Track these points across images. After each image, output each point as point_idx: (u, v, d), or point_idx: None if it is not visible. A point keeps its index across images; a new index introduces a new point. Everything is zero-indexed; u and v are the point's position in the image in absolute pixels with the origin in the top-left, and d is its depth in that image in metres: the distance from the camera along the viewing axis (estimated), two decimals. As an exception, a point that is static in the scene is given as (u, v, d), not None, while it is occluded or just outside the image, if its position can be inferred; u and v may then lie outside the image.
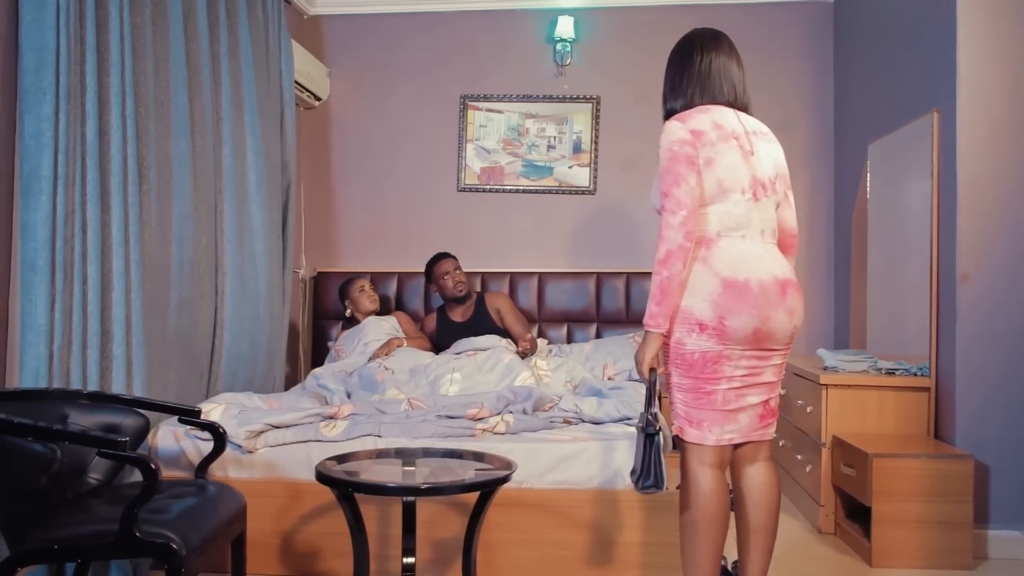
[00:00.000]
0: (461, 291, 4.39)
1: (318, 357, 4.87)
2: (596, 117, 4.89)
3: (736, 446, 2.33)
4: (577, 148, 4.92)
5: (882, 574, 2.99)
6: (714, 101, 2.33)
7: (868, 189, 4.07)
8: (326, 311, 4.88)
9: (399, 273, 4.87)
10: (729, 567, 2.77)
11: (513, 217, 4.95)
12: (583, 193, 4.91)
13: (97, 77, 2.75)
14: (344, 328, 4.60)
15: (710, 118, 2.28)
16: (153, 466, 1.98)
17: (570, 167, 4.92)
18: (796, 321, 2.29)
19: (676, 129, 2.26)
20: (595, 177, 4.90)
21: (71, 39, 2.62)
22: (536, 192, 4.93)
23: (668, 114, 2.38)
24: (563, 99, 4.91)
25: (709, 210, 2.25)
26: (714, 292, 2.20)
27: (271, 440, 2.95)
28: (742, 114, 2.37)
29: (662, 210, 2.24)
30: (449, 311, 4.47)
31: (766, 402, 2.32)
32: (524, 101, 4.93)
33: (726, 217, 2.25)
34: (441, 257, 4.48)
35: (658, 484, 2.20)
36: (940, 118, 3.33)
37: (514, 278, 4.83)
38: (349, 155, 5.05)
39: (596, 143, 4.90)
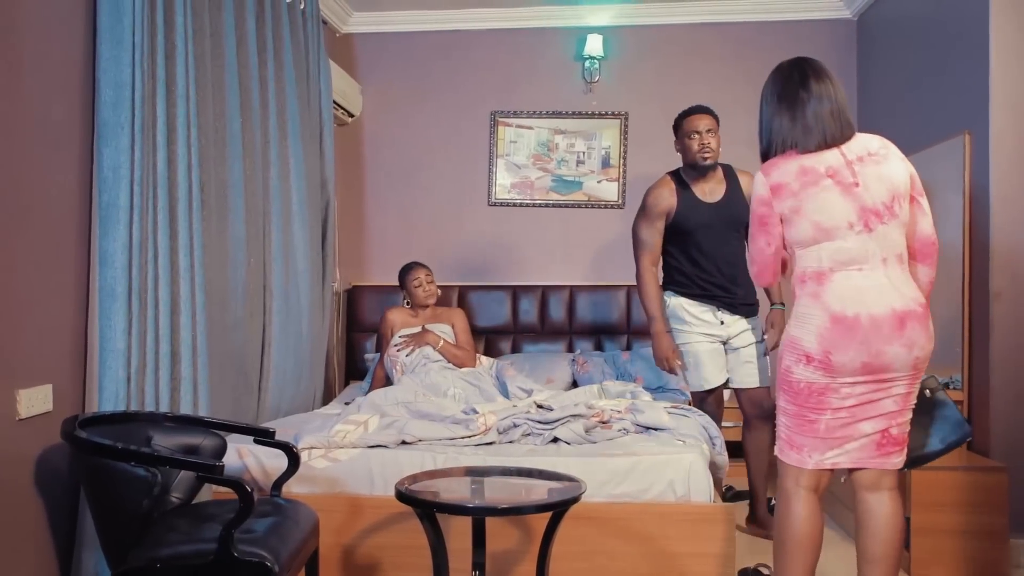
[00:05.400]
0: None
1: (351, 371, 4.97)
2: (624, 133, 5.00)
3: (851, 471, 2.34)
4: (606, 163, 5.03)
5: (922, 582, 3.11)
6: (799, 151, 2.28)
7: (895, 205, 4.17)
8: (360, 324, 4.98)
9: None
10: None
11: (543, 231, 5.06)
12: (612, 207, 5.01)
13: (166, 109, 2.85)
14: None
15: (798, 164, 2.27)
16: (249, 489, 2.09)
17: (599, 182, 5.03)
18: (918, 352, 2.22)
19: (759, 184, 2.33)
20: (624, 191, 5.00)
21: (144, 74, 2.72)
22: (566, 206, 5.04)
23: (762, 156, 2.41)
24: (592, 115, 5.02)
25: (819, 248, 2.25)
26: (821, 326, 2.21)
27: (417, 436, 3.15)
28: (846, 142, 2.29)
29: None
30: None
31: (885, 431, 2.27)
32: (553, 117, 5.04)
33: (838, 253, 2.23)
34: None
35: None
36: (972, 140, 3.44)
37: (545, 291, 4.93)
38: (381, 170, 5.16)
39: (624, 158, 5.01)
